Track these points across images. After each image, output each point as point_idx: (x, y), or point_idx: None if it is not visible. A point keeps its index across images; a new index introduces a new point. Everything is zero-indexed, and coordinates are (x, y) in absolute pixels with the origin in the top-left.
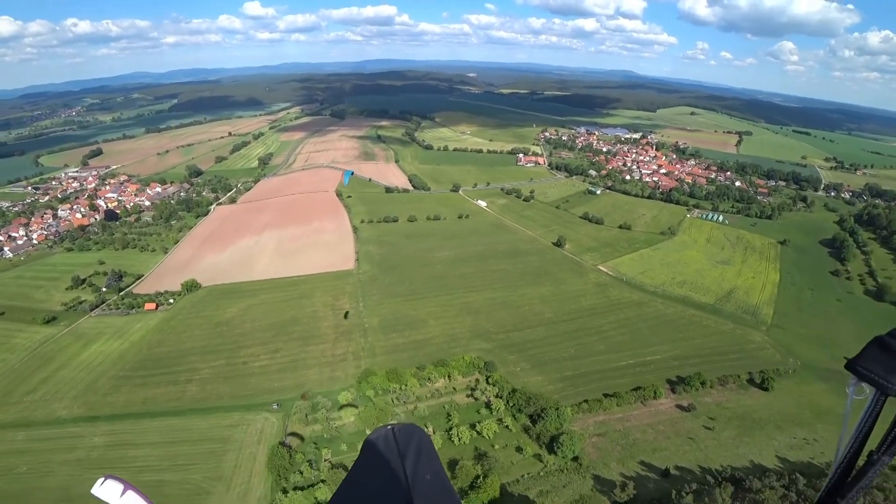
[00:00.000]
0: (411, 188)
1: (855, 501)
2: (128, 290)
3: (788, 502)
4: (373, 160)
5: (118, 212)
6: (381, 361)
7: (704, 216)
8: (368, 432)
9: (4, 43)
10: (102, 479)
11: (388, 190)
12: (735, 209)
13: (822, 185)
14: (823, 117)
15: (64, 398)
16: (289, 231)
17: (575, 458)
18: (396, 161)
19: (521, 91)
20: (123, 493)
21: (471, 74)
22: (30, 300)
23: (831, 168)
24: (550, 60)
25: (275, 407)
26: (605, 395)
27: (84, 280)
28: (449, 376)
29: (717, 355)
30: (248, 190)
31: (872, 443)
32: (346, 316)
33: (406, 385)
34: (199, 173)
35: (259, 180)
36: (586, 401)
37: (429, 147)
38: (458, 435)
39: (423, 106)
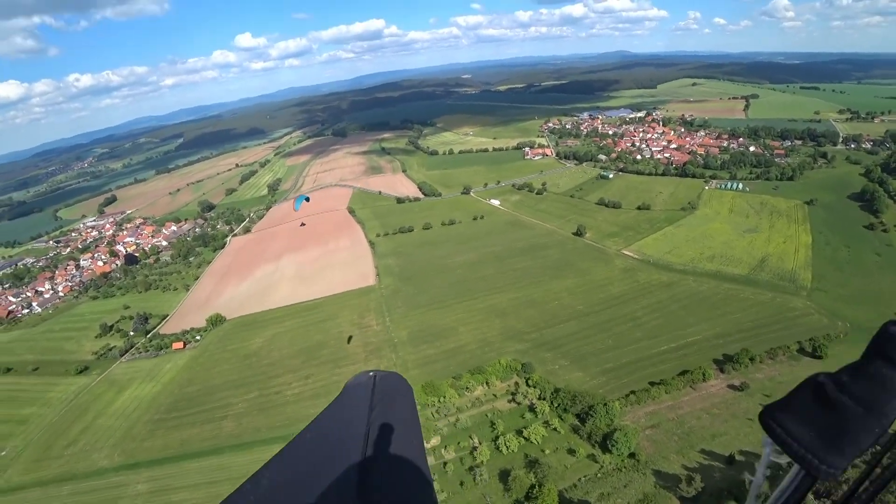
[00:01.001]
0: (422, 196)
1: None
2: (154, 331)
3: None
4: (380, 173)
5: (137, 255)
6: (416, 375)
7: (723, 186)
8: None
9: (13, 106)
10: None
11: (400, 200)
12: (754, 175)
13: (841, 139)
14: (829, 70)
15: (103, 447)
16: (306, 254)
17: (631, 455)
18: (404, 171)
19: (518, 85)
20: None
21: (465, 76)
22: (61, 352)
23: (847, 120)
24: (542, 51)
25: None
26: (652, 384)
27: (111, 326)
28: (487, 383)
29: (761, 328)
30: (261, 218)
31: None
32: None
33: (444, 397)
34: (211, 207)
35: (270, 207)
36: (633, 392)
37: (434, 153)
38: (505, 443)
39: (423, 113)
